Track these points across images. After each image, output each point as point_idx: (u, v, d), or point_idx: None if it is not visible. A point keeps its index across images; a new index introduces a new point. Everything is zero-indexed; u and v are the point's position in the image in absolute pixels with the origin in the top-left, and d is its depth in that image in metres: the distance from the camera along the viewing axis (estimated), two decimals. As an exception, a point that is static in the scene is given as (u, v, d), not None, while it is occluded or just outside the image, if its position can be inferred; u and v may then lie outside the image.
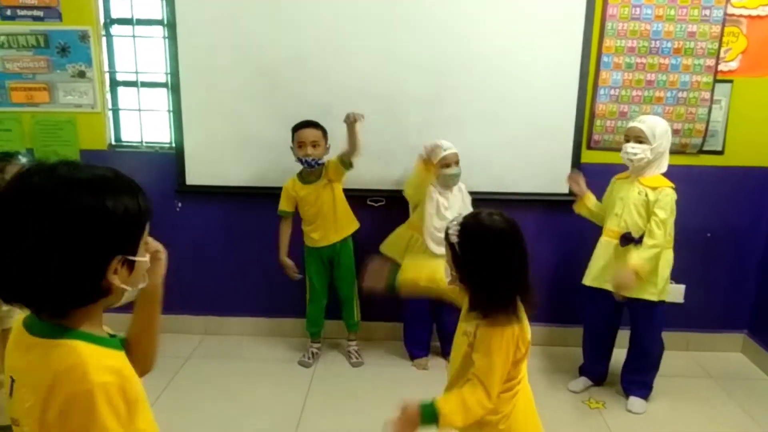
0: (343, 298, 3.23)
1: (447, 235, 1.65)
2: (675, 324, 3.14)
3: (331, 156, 3.01)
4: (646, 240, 2.60)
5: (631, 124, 2.71)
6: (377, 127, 3.12)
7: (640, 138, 2.64)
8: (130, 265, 1.01)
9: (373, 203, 3.20)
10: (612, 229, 2.73)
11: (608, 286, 2.71)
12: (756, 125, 3.12)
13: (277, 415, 2.74)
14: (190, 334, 3.42)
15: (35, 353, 0.97)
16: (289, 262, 3.12)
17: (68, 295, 0.95)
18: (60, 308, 0.97)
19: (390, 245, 3.09)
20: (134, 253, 1.02)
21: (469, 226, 1.63)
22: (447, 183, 2.96)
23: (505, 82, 3.09)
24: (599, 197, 2.91)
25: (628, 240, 2.68)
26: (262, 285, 3.44)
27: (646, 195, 2.65)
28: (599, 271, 2.76)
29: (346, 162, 2.95)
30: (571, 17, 3.02)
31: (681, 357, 3.29)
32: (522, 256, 1.61)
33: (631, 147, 2.65)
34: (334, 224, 3.07)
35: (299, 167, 3.05)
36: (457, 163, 2.95)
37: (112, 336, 1.07)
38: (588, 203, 2.89)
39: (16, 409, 0.99)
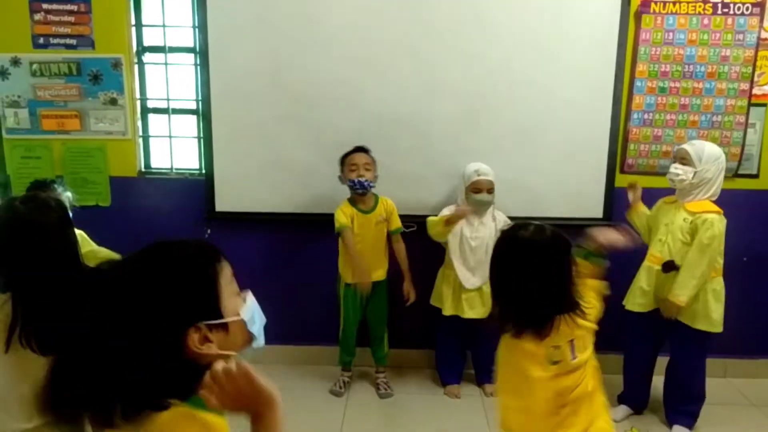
0: (374, 332, 3.18)
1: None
2: (712, 350, 3.07)
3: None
4: (684, 270, 2.56)
5: (680, 146, 2.71)
6: (410, 152, 3.12)
7: (684, 160, 2.62)
8: (222, 327, 0.96)
9: (405, 229, 3.17)
10: (654, 255, 2.69)
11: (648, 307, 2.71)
12: (791, 148, 3.11)
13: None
14: (218, 362, 3.36)
15: None
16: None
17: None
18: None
19: (436, 296, 3.11)
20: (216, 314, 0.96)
21: (506, 234, 1.64)
22: (476, 208, 2.94)
23: (539, 106, 3.08)
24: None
25: (670, 267, 2.64)
26: (291, 312, 3.39)
27: (691, 222, 2.61)
28: (641, 295, 2.72)
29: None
30: (604, 42, 3.02)
31: (719, 384, 3.22)
32: (558, 274, 1.57)
33: (674, 167, 2.63)
34: (372, 265, 2.99)
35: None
36: (490, 191, 2.92)
37: None
38: (640, 210, 2.89)
39: None
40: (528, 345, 1.57)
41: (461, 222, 2.93)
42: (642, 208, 2.90)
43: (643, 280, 2.71)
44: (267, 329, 3.67)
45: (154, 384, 0.88)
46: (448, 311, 3.04)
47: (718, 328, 2.67)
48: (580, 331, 1.62)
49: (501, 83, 3.07)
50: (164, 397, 0.89)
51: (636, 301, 2.74)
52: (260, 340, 1.04)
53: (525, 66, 3.05)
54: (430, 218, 2.97)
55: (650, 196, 2.90)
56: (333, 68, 3.08)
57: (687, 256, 2.58)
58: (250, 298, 1.06)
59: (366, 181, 2.89)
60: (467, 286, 2.97)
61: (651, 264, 2.71)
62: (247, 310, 1.02)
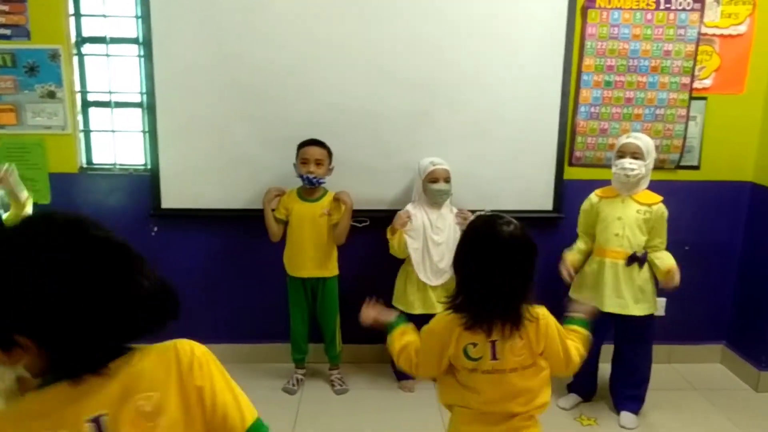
0: (325, 331, 3.15)
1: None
2: (656, 337, 3.17)
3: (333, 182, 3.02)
4: (664, 253, 2.73)
5: (626, 140, 2.71)
6: (363, 145, 3.10)
7: (636, 154, 2.66)
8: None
9: (356, 224, 3.15)
10: (616, 250, 2.72)
11: (629, 310, 2.72)
12: (729, 141, 3.22)
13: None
14: (167, 363, 3.27)
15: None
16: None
17: None
18: None
19: (399, 297, 3.08)
20: None
21: (476, 223, 1.65)
22: (434, 199, 2.95)
23: (490, 100, 3.10)
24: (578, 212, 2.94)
25: (633, 259, 2.70)
26: (240, 310, 3.33)
27: (645, 213, 2.70)
28: (614, 294, 2.73)
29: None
30: (552, 37, 3.05)
31: (664, 369, 3.32)
32: (528, 272, 1.59)
33: (629, 163, 2.65)
34: (312, 258, 2.99)
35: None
36: (446, 180, 2.94)
37: None
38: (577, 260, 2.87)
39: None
40: (455, 324, 1.63)
41: (416, 221, 2.96)
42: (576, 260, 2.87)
43: (609, 277, 2.73)
44: (220, 328, 3.56)
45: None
46: (417, 310, 2.98)
47: (659, 310, 2.81)
48: (515, 340, 1.62)
49: (452, 77, 3.07)
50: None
51: (612, 302, 2.72)
52: None
53: (476, 60, 3.06)
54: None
55: (597, 188, 2.94)
56: (283, 60, 3.02)
57: (660, 239, 2.72)
58: None
59: (314, 177, 2.88)
60: (432, 283, 2.98)
61: (614, 260, 2.72)
62: None
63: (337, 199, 3.00)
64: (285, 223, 3.01)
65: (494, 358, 1.62)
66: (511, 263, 1.56)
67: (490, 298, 1.57)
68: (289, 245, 3.03)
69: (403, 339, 1.78)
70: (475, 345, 1.62)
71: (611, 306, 2.72)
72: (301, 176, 2.90)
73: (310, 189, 2.96)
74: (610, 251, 2.73)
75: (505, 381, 1.63)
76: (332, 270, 3.05)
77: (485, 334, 1.59)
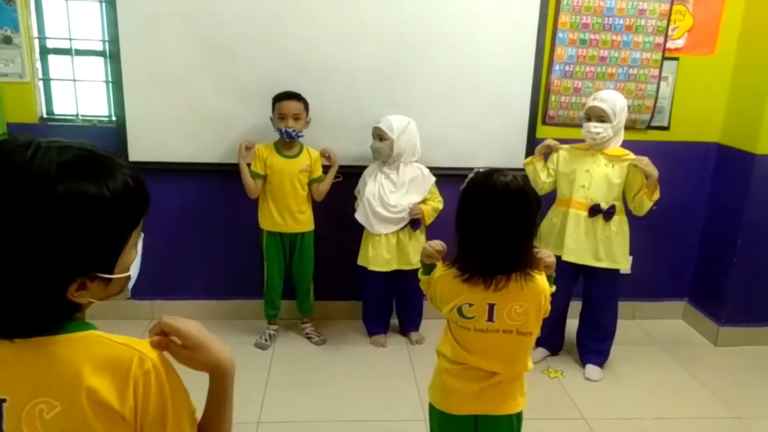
0: (300, 285, 3.16)
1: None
2: (623, 293, 3.25)
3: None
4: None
5: (592, 103, 2.73)
6: (334, 102, 3.04)
7: (602, 117, 2.69)
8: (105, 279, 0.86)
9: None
10: (580, 201, 2.77)
11: (587, 261, 2.77)
12: (699, 102, 3.25)
13: (238, 399, 2.64)
14: (136, 319, 3.22)
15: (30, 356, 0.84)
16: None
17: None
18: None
19: (364, 255, 3.05)
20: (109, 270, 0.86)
21: (474, 178, 1.64)
22: (372, 156, 2.98)
23: (463, 58, 3.06)
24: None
25: (597, 211, 2.75)
26: (211, 266, 3.29)
27: (614, 166, 2.74)
28: (575, 244, 2.78)
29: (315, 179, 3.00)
30: (528, -8, 3.01)
31: (628, 325, 3.42)
32: (523, 225, 1.58)
33: (594, 126, 2.70)
34: (291, 214, 2.97)
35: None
36: (381, 138, 2.91)
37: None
38: (540, 163, 2.91)
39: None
40: (450, 278, 1.63)
41: (380, 170, 2.96)
42: (540, 162, 2.92)
43: (572, 227, 2.77)
44: (190, 284, 3.50)
45: (20, 311, 0.82)
46: (391, 266, 3.00)
47: (628, 266, 2.85)
48: (515, 303, 1.62)
49: (425, 33, 3.01)
50: (33, 324, 0.83)
51: (572, 251, 2.76)
52: (128, 293, 0.95)
53: (449, 15, 3.00)
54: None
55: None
56: (253, 13, 2.91)
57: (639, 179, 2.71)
58: (140, 247, 0.95)
59: (294, 131, 2.85)
60: (384, 231, 2.96)
61: (578, 211, 2.77)
62: (136, 265, 0.93)
63: (327, 156, 3.00)
64: (263, 178, 2.95)
65: (490, 320, 1.62)
66: (509, 213, 1.55)
67: (490, 248, 1.56)
68: (267, 201, 2.98)
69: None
70: (471, 305, 1.61)
71: (570, 255, 2.77)
72: (279, 130, 2.86)
73: (289, 143, 2.93)
74: (575, 202, 2.78)
75: (495, 341, 1.64)
76: (310, 225, 3.06)
77: (483, 286, 1.58)
